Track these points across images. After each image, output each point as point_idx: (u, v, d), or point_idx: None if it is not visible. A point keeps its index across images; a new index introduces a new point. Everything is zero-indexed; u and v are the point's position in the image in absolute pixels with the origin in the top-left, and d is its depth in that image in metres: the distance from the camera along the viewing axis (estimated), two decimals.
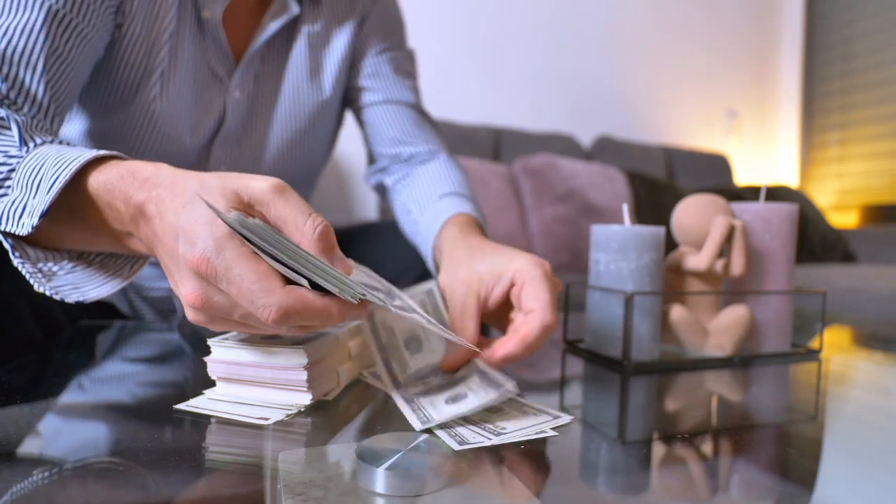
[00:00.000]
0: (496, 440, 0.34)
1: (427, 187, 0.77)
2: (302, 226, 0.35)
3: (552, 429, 0.37)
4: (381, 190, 0.88)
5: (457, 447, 0.33)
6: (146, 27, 0.64)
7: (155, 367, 0.54)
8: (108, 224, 0.43)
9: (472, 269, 0.50)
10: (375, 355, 0.44)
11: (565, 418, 0.38)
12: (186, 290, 0.35)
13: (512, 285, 0.48)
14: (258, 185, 0.36)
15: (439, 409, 0.38)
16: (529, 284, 0.46)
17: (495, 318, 0.51)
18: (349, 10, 0.79)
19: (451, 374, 0.45)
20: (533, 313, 0.45)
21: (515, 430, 0.36)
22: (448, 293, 0.51)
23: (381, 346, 0.44)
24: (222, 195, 0.36)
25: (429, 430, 0.36)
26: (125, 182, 0.40)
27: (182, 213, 0.35)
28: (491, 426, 0.36)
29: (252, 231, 0.33)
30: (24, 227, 0.42)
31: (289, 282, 0.34)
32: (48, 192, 0.41)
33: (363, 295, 0.34)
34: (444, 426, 0.36)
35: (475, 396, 0.38)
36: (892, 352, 0.74)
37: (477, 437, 0.34)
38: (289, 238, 0.35)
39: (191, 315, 0.37)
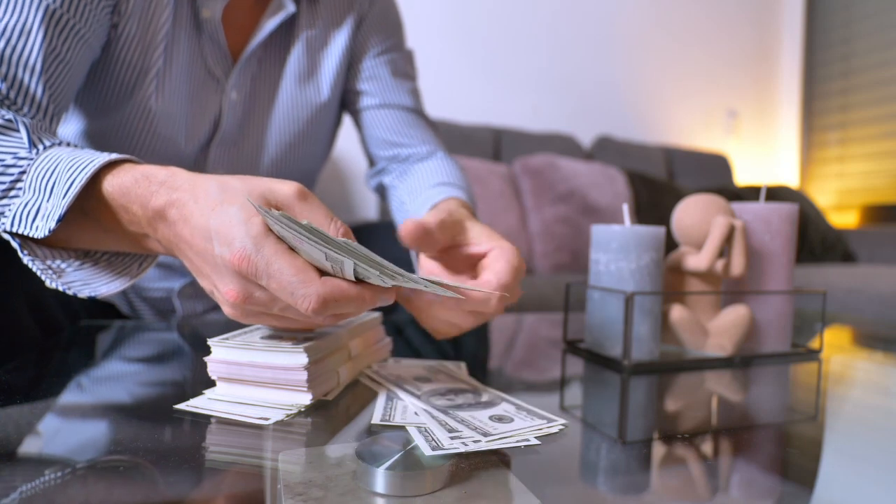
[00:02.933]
0: (473, 447, 0.32)
1: (421, 179, 0.77)
2: (326, 229, 0.38)
3: (537, 437, 0.35)
4: (381, 190, 0.88)
5: (429, 451, 0.31)
6: (142, 26, 0.64)
7: (155, 367, 0.54)
8: (123, 226, 0.43)
9: (458, 220, 0.50)
10: (390, 386, 0.44)
11: (555, 427, 0.36)
12: (227, 288, 0.37)
13: (485, 255, 0.48)
14: (283, 190, 0.38)
15: (475, 421, 0.36)
16: (501, 254, 0.47)
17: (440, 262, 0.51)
18: (346, 11, 0.78)
19: (474, 394, 0.44)
20: (493, 252, 0.46)
21: (496, 436, 0.34)
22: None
23: (392, 381, 0.45)
24: (251, 198, 0.37)
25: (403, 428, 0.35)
26: (140, 186, 0.41)
27: (212, 216, 0.37)
28: (471, 431, 0.34)
29: (301, 226, 0.35)
30: (40, 231, 0.43)
31: (323, 273, 0.36)
32: (63, 196, 0.42)
33: (401, 275, 0.36)
34: (420, 428, 0.34)
35: (521, 421, 0.37)
36: (892, 352, 0.74)
37: (452, 444, 0.32)
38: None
39: (228, 311, 0.38)
